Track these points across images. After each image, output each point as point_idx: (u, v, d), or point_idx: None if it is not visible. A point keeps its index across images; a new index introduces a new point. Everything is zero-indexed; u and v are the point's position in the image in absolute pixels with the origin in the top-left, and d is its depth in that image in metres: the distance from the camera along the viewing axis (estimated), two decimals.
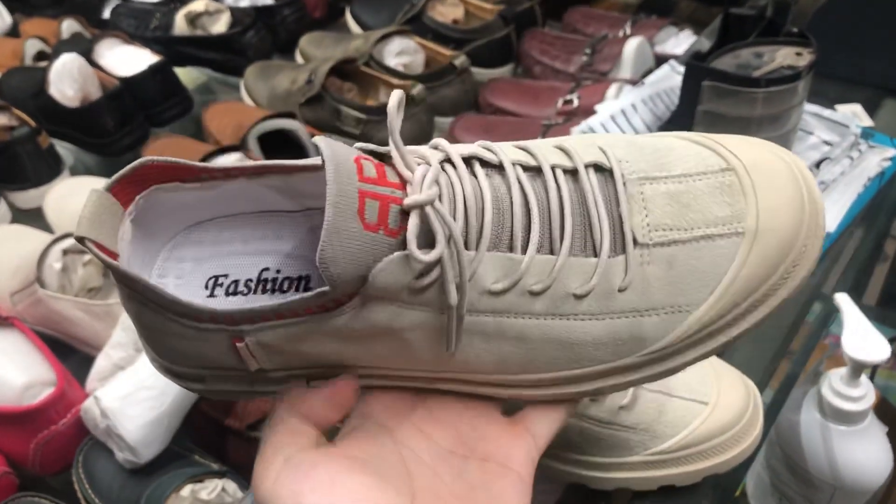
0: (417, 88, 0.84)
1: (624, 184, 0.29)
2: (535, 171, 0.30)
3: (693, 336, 0.30)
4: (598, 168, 0.30)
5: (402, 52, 0.94)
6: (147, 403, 0.56)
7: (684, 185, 0.30)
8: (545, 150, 0.30)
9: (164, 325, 0.28)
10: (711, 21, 0.95)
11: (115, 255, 0.27)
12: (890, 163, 0.69)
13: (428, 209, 0.26)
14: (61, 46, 0.96)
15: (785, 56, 0.62)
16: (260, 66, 0.96)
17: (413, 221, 0.26)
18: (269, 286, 0.31)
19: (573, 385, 0.31)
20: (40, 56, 1.01)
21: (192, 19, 1.03)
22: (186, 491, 0.55)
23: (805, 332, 0.62)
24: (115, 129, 0.86)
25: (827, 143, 0.70)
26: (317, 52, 0.99)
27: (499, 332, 0.29)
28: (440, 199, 0.27)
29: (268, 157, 0.82)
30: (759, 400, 0.46)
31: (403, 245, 0.26)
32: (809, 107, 0.71)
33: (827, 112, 0.72)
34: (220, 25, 1.03)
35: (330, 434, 0.31)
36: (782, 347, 0.58)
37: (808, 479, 0.55)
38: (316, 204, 0.31)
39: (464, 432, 0.32)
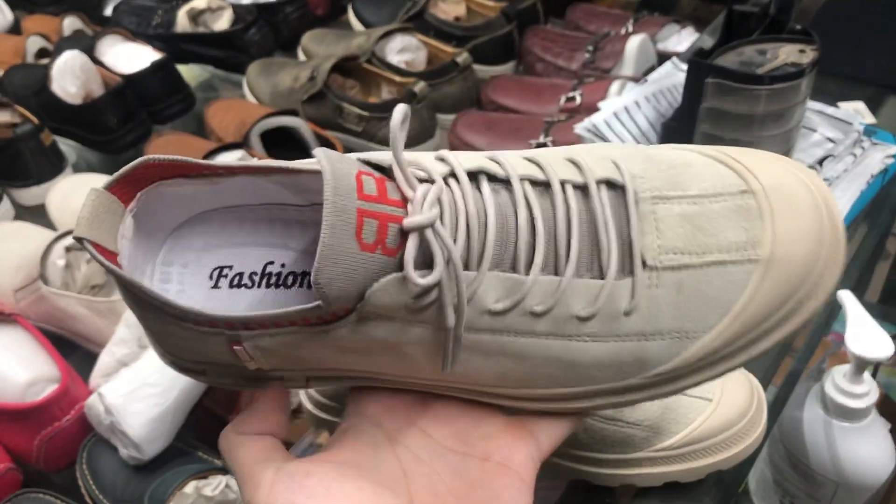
0: (419, 86, 0.84)
1: (636, 202, 0.28)
2: (544, 185, 0.28)
3: (697, 362, 0.29)
4: (610, 184, 0.29)
5: (404, 50, 0.94)
6: (151, 400, 0.57)
7: (699, 207, 0.28)
8: (556, 162, 0.29)
9: (164, 325, 0.28)
10: (713, 18, 0.95)
11: (114, 256, 0.27)
12: (893, 160, 0.69)
13: (427, 231, 0.25)
14: (63, 44, 0.95)
15: (788, 53, 0.62)
16: (262, 64, 0.96)
17: (412, 243, 0.25)
18: (272, 280, 0.31)
19: (572, 402, 0.30)
20: (42, 53, 1.01)
21: (195, 16, 1.03)
22: (190, 487, 0.55)
23: (808, 329, 0.62)
24: (117, 126, 0.86)
25: (830, 140, 0.70)
26: (319, 49, 0.99)
27: (499, 350, 0.28)
28: (441, 219, 0.26)
29: (270, 155, 0.82)
30: (762, 397, 0.46)
31: (401, 265, 0.25)
32: (812, 104, 0.71)
33: (830, 109, 0.72)
34: (222, 22, 1.03)
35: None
36: (785, 345, 0.58)
37: (811, 475, 0.55)
38: (322, 200, 0.31)
39: (464, 430, 0.31)
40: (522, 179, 0.28)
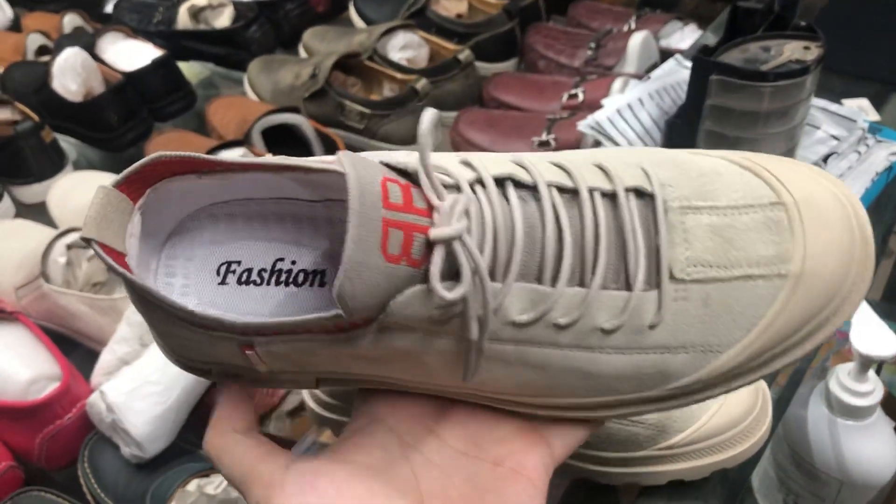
0: (421, 83, 0.84)
1: (665, 211, 0.28)
2: (572, 193, 0.28)
3: (721, 376, 0.29)
4: (639, 193, 0.28)
5: (405, 47, 0.94)
6: (153, 398, 0.56)
7: (729, 219, 0.28)
8: (584, 168, 0.28)
9: (172, 328, 0.28)
10: (715, 16, 0.95)
11: (121, 256, 0.26)
12: None
13: (455, 243, 0.24)
14: (63, 41, 0.95)
15: (793, 50, 0.62)
16: (263, 61, 0.95)
17: (438, 255, 0.24)
18: (283, 278, 0.30)
19: (591, 411, 0.30)
20: (42, 51, 1.00)
21: (196, 13, 1.03)
22: (192, 486, 0.55)
23: None
24: (118, 123, 0.86)
25: (834, 137, 0.69)
26: (320, 46, 0.99)
27: (520, 360, 0.28)
28: (469, 230, 0.25)
29: (271, 152, 0.82)
30: (767, 395, 0.46)
31: (426, 276, 0.25)
32: (817, 101, 0.71)
33: (834, 107, 0.72)
34: (223, 20, 1.02)
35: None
36: None
37: (815, 474, 0.54)
38: (337, 196, 0.30)
39: (476, 434, 0.31)
40: (550, 186, 0.27)
